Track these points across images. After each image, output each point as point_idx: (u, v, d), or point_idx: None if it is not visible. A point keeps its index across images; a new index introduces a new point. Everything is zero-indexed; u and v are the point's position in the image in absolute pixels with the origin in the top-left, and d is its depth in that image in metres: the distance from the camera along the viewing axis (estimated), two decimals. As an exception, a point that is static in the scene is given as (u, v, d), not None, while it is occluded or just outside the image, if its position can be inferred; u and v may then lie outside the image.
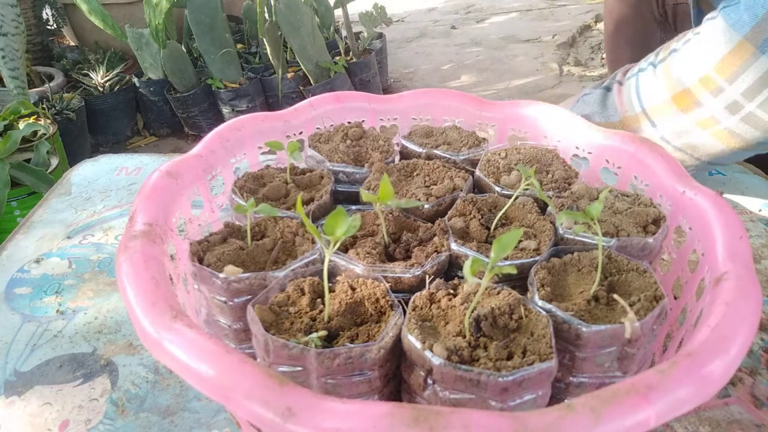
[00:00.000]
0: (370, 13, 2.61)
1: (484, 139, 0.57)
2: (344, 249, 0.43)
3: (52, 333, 0.55)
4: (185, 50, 2.39)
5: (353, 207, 0.50)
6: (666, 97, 0.64)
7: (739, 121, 0.59)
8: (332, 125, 0.60)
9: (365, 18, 2.62)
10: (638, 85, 0.68)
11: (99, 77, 2.41)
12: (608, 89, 0.73)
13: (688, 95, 0.62)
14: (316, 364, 0.32)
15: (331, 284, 0.39)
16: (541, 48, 3.24)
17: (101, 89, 2.42)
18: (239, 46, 2.63)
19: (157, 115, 2.56)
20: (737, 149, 0.62)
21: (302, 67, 2.36)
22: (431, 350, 0.32)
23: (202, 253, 0.41)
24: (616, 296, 0.35)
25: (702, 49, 0.61)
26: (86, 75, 2.44)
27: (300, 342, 0.33)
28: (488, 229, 0.45)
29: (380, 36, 2.82)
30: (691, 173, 0.48)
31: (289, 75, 2.44)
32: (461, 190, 0.49)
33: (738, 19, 0.57)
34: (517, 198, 0.47)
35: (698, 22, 0.65)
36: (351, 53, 2.57)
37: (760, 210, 0.69)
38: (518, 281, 0.41)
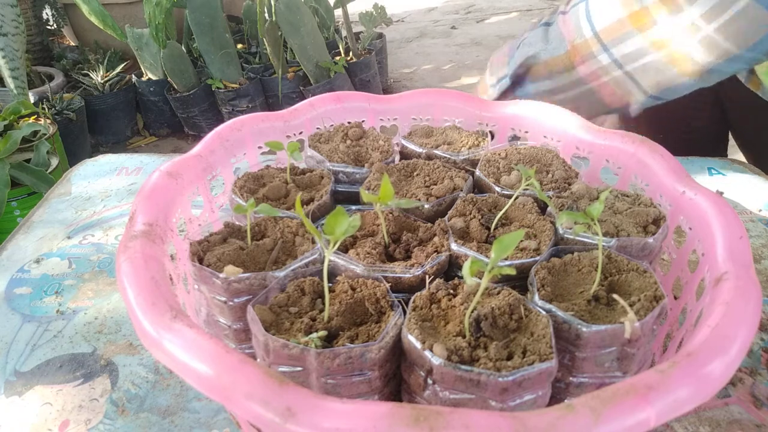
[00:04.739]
0: (370, 13, 2.61)
1: (484, 138, 0.57)
2: (344, 249, 0.43)
3: (52, 333, 0.55)
4: (185, 50, 2.40)
5: (353, 207, 0.50)
6: (621, 16, 0.61)
7: (696, 43, 0.57)
8: (332, 125, 0.60)
9: (365, 18, 2.62)
10: (588, 9, 0.64)
11: (99, 77, 2.42)
12: (549, 24, 0.69)
13: (645, 14, 0.59)
14: (316, 364, 0.32)
15: (331, 284, 0.39)
16: (541, 48, 3.23)
17: (101, 89, 2.42)
18: (239, 46, 2.63)
19: (157, 115, 2.56)
20: (687, 76, 0.61)
21: (302, 67, 2.36)
22: (431, 350, 0.32)
23: (202, 253, 0.41)
24: (616, 296, 0.35)
25: None
26: (86, 75, 2.44)
27: (300, 342, 0.33)
28: (488, 229, 0.45)
29: (380, 36, 2.82)
30: (634, 112, 0.45)
31: (289, 75, 2.44)
32: (461, 190, 0.49)
33: None
34: (517, 198, 0.47)
35: None
36: (351, 53, 2.57)
37: (760, 210, 0.69)
38: (518, 281, 0.41)
